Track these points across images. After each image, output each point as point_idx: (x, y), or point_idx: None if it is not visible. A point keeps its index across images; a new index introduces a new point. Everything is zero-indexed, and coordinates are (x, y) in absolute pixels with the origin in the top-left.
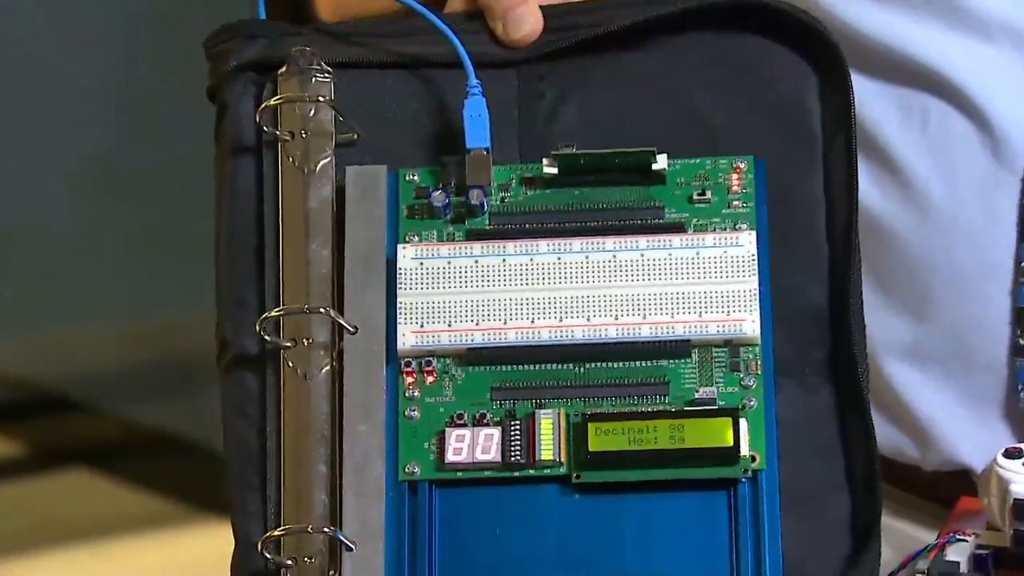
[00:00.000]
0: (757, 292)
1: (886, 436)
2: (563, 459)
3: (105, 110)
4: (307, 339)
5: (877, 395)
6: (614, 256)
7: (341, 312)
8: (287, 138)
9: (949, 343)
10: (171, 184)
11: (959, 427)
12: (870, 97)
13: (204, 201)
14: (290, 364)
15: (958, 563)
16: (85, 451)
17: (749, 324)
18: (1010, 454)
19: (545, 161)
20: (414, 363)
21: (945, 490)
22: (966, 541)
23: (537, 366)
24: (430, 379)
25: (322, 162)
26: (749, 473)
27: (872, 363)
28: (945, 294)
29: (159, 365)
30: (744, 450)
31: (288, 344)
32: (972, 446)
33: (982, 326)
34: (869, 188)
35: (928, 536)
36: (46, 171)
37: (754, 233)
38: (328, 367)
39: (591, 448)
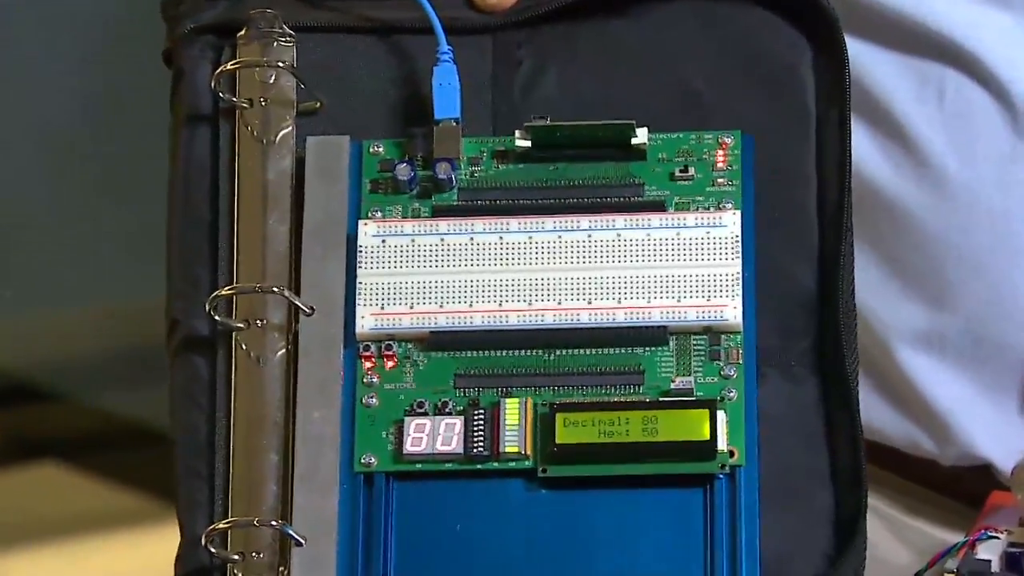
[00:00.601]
0: (740, 276)
1: (901, 429)
2: (529, 452)
3: (70, 83)
4: (261, 320)
5: (891, 385)
6: (589, 236)
7: (297, 292)
8: (245, 106)
9: (967, 329)
10: (145, 161)
11: (978, 418)
12: (883, 68)
13: None
14: (243, 347)
15: (989, 562)
16: (57, 443)
17: (731, 310)
18: None
19: (518, 133)
20: (373, 347)
21: (965, 486)
22: (998, 538)
23: (504, 352)
24: (390, 364)
25: (282, 132)
26: (727, 469)
27: (885, 351)
28: (962, 277)
29: (137, 351)
30: (722, 444)
31: (240, 325)
32: (992, 438)
33: (1001, 311)
34: (882, 164)
35: (947, 535)
36: (12, 151)
37: (739, 213)
38: (283, 350)
39: (558, 440)
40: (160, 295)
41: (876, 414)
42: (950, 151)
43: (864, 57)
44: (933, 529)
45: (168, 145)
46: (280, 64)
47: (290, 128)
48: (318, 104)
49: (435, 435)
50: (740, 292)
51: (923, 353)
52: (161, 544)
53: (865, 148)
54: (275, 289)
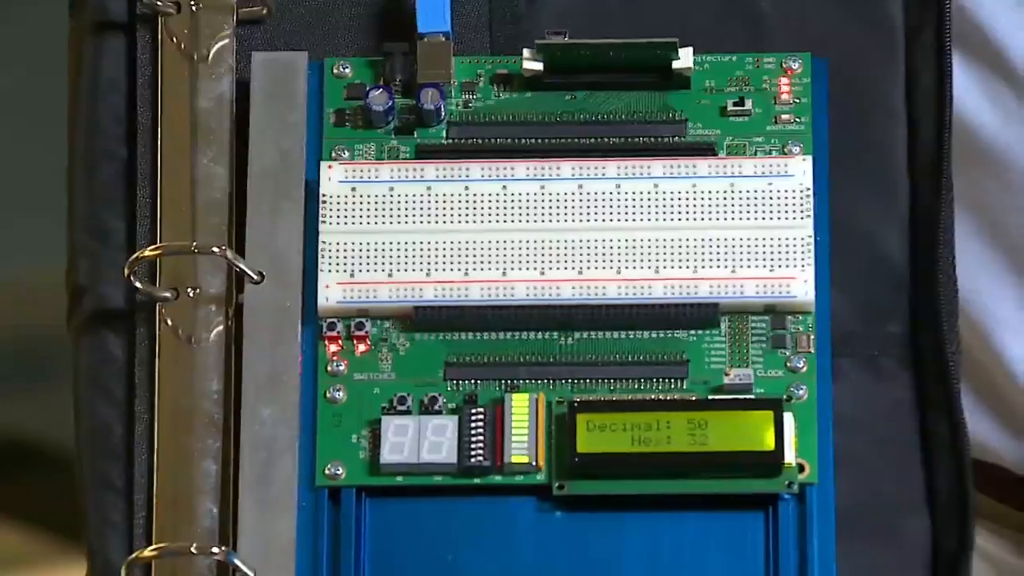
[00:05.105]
0: (812, 240)
1: (1011, 445)
2: (541, 463)
3: None
4: (193, 289)
5: (997, 390)
6: (617, 186)
7: (241, 253)
8: (171, 11)
9: None
10: (23, 102)
11: None
12: None
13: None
14: (168, 322)
15: None
16: None
17: (800, 284)
18: None
19: (526, 53)
20: (340, 325)
21: None
22: None
23: (508, 334)
24: (362, 348)
25: (218, 45)
26: (795, 487)
27: (989, 347)
28: None
29: (9, 345)
30: (789, 456)
31: (167, 295)
32: None
33: None
34: (982, 105)
35: None
36: None
37: (809, 159)
38: (221, 327)
39: (580, 449)
40: (42, 268)
41: (979, 426)
42: None
43: None
44: None
45: (68, 61)
46: None
47: (229, 40)
48: (265, 10)
49: (421, 440)
50: (812, 261)
51: None
52: None
53: (961, 84)
54: (214, 249)
